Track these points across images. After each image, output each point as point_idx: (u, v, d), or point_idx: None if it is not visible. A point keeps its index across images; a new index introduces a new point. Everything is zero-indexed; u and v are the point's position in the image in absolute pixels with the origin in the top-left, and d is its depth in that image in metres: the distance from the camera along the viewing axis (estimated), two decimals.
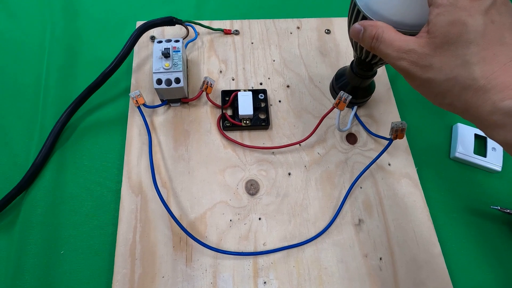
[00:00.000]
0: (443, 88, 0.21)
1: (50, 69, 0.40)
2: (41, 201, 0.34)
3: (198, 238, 0.31)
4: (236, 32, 0.43)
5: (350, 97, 0.32)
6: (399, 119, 0.39)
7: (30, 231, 0.32)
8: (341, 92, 0.32)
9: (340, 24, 0.45)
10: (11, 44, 0.42)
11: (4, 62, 0.41)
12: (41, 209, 0.33)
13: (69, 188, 0.34)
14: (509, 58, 0.19)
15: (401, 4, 0.24)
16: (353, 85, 0.36)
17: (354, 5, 0.27)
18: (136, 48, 0.41)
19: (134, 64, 0.40)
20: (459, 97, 0.21)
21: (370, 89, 0.38)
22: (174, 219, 0.30)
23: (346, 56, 0.42)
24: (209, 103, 0.37)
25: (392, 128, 0.31)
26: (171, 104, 0.37)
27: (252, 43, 0.43)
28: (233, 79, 0.40)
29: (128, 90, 0.39)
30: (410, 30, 0.25)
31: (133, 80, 0.39)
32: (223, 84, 0.40)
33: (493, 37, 0.19)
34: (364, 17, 0.26)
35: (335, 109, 0.33)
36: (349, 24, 0.30)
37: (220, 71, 0.40)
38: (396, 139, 0.31)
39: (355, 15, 0.27)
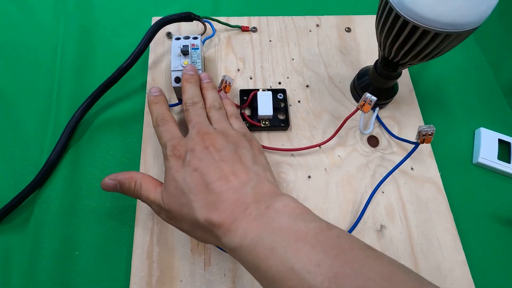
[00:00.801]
0: (192, 235, 0.25)
1: (63, 63, 0.39)
2: (55, 199, 0.33)
3: None
4: (254, 29, 0.42)
5: (375, 99, 0.31)
6: (422, 122, 0.38)
7: (44, 230, 0.32)
8: (366, 94, 0.31)
9: (360, 22, 0.43)
10: (23, 37, 0.41)
11: (16, 56, 0.40)
12: (55, 208, 0.32)
13: (84, 187, 0.34)
14: (216, 195, 0.23)
15: (437, 2, 0.23)
16: (376, 85, 0.35)
17: (385, 3, 0.26)
18: (152, 44, 0.40)
19: (150, 61, 0.39)
20: (202, 238, 0.24)
21: (393, 90, 0.36)
22: None
23: (367, 55, 0.41)
24: None
25: (419, 132, 0.30)
26: None
27: (270, 40, 0.41)
28: (251, 78, 0.39)
29: (143, 86, 0.39)
30: (444, 29, 0.23)
31: (149, 78, 0.38)
32: (240, 83, 0.39)
33: (200, 182, 0.23)
34: (397, 15, 0.25)
35: (358, 111, 0.32)
36: (378, 22, 0.28)
37: (238, 69, 0.39)
38: (423, 143, 0.30)
39: (387, 12, 0.26)
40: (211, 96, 0.30)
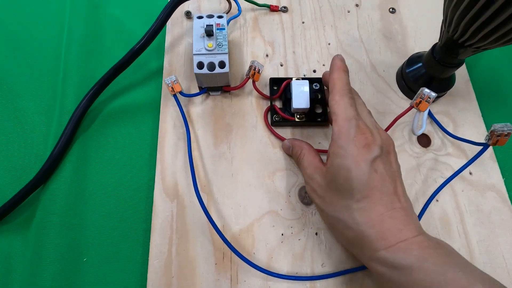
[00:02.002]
0: (331, 221, 0.24)
1: (70, 45, 0.35)
2: (61, 197, 0.29)
3: (245, 255, 0.26)
4: (285, 9, 0.37)
5: (435, 95, 0.26)
6: (480, 118, 0.32)
7: (48, 233, 0.28)
8: (423, 89, 0.26)
9: (407, 2, 0.38)
10: (26, 17, 0.37)
11: (18, 37, 0.36)
12: (61, 208, 0.29)
13: (92, 184, 0.30)
14: (386, 208, 0.21)
15: None
16: (431, 75, 0.30)
17: None
18: (168, 24, 0.35)
19: (166, 44, 0.35)
20: (342, 233, 0.23)
21: (450, 81, 0.31)
22: (217, 231, 0.25)
23: (415, 40, 0.36)
24: (255, 92, 0.32)
25: (492, 132, 0.25)
26: (211, 93, 0.32)
27: (303, 22, 0.36)
28: (281, 65, 0.34)
29: (159, 71, 0.34)
30: None
31: (165, 63, 0.34)
32: (270, 70, 0.34)
33: (375, 185, 0.21)
34: None
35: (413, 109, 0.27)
36: None
37: (266, 55, 0.34)
38: (495, 145, 0.25)
39: None
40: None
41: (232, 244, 0.26)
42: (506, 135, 0.25)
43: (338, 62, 0.26)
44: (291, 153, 0.29)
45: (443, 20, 0.26)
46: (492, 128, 0.25)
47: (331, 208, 0.23)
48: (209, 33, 0.28)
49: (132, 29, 0.36)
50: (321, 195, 0.24)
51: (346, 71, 0.26)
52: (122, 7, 0.38)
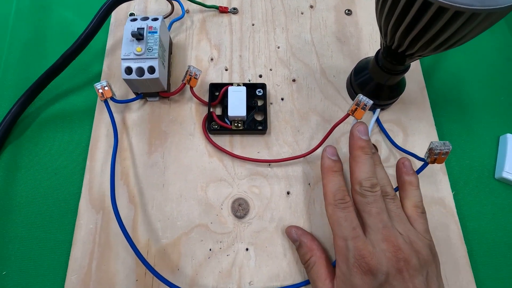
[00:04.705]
0: None
1: (13, 46, 0.34)
2: None
3: (169, 271, 0.25)
4: (235, 11, 0.35)
5: (372, 102, 0.24)
6: (433, 128, 0.31)
7: None
8: (359, 96, 0.24)
9: (364, 3, 0.36)
10: None
11: None
12: None
13: (20, 194, 0.29)
14: None
15: None
16: (378, 82, 0.28)
17: None
18: (112, 26, 0.34)
19: (107, 46, 0.33)
20: None
21: (399, 88, 0.29)
22: (134, 249, 0.24)
23: (370, 44, 0.34)
24: (195, 98, 0.30)
25: (430, 150, 0.23)
26: (148, 99, 0.31)
27: (253, 24, 0.35)
28: (226, 69, 0.33)
29: (100, 76, 0.33)
30: (469, 6, 0.16)
31: (104, 67, 0.32)
32: (213, 75, 0.32)
33: None
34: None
35: (350, 117, 0.25)
36: (390, 5, 0.21)
37: (211, 59, 0.33)
38: (433, 163, 0.24)
39: None
40: (380, 176, 0.24)
41: (156, 259, 0.25)
42: (444, 154, 0.23)
43: (326, 162, 0.24)
44: (296, 248, 0.25)
45: (379, 29, 0.24)
46: (430, 146, 0.23)
47: None
48: (137, 36, 0.27)
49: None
50: None
51: (336, 170, 0.24)
52: (70, 9, 0.36)
